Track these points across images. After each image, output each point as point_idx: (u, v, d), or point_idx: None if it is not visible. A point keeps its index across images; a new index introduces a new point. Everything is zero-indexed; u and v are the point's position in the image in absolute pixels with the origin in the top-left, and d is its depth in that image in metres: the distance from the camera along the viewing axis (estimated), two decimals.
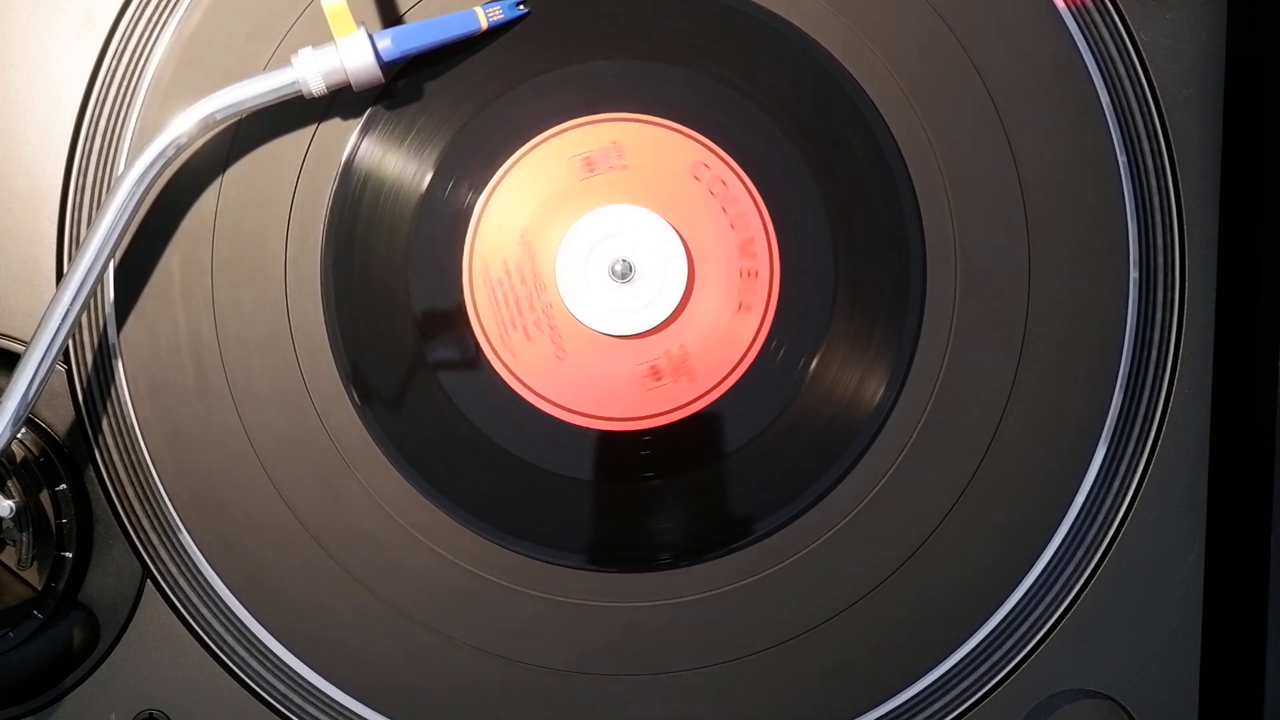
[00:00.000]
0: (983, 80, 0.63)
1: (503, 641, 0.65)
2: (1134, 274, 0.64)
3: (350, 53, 0.59)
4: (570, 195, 0.63)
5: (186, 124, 0.59)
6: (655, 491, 0.64)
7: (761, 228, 0.63)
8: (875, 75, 0.63)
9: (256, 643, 0.66)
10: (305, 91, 0.60)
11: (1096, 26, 0.64)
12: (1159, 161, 0.64)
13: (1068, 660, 0.65)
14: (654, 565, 0.65)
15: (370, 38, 0.59)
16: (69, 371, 0.65)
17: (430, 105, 0.63)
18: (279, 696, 0.66)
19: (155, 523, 0.66)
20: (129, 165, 0.59)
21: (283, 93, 0.60)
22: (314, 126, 0.64)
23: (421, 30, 0.61)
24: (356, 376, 0.64)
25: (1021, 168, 0.63)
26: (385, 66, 0.60)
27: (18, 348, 0.64)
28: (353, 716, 0.66)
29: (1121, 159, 0.63)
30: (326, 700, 0.66)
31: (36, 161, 0.64)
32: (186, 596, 0.66)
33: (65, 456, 0.65)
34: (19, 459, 0.62)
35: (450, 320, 0.63)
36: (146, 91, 0.64)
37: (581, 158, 0.63)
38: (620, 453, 0.64)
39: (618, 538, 0.65)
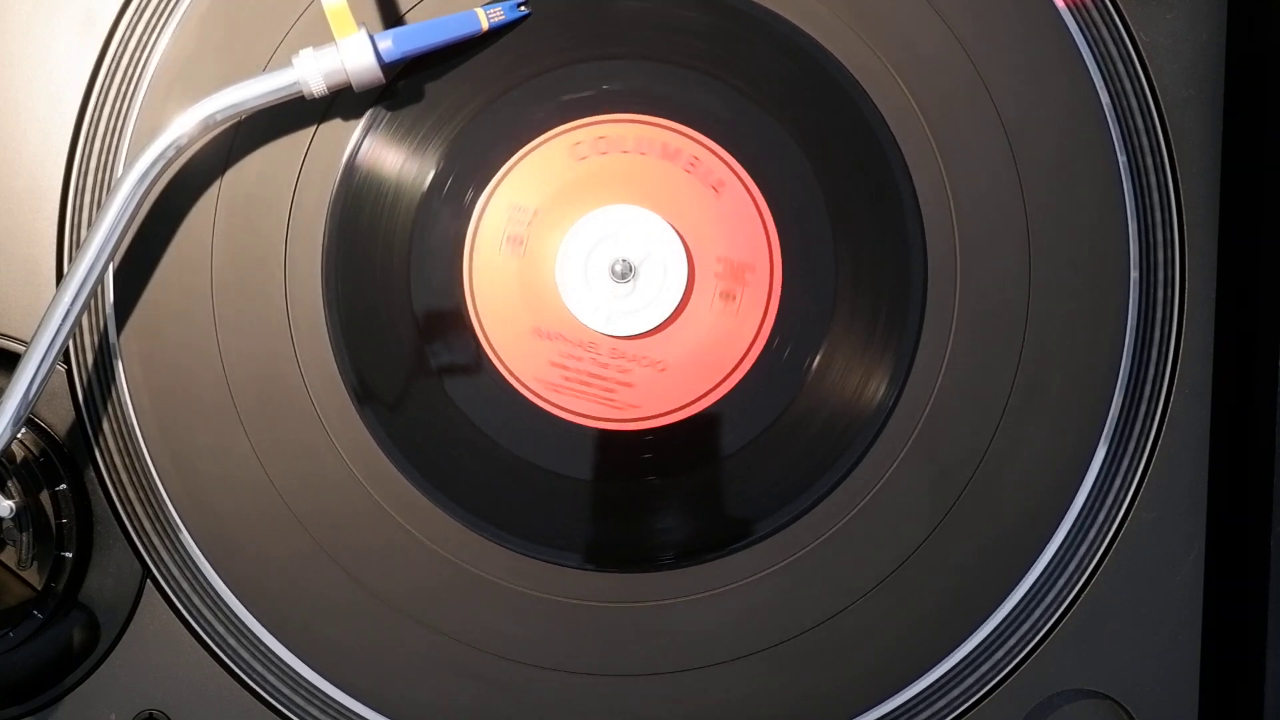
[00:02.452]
0: (983, 80, 0.63)
1: (502, 641, 0.65)
2: (1134, 274, 0.64)
3: (351, 53, 0.59)
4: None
5: (187, 125, 0.59)
6: (656, 491, 0.64)
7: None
8: (875, 75, 0.63)
9: (256, 643, 0.66)
10: (306, 92, 0.60)
11: (1096, 26, 0.64)
12: (1159, 161, 0.64)
13: (1068, 660, 0.65)
14: (654, 565, 0.65)
15: (371, 38, 0.59)
16: (69, 371, 0.65)
17: (431, 106, 0.63)
18: (279, 696, 0.66)
19: (155, 523, 0.66)
20: (129, 166, 0.59)
21: (283, 93, 0.60)
22: (314, 127, 0.64)
23: (423, 31, 0.61)
24: (356, 376, 0.64)
25: (1021, 167, 0.63)
26: (386, 67, 0.60)
27: (18, 348, 0.64)
28: (353, 716, 0.66)
29: (1121, 159, 0.64)
30: (326, 700, 0.66)
31: (36, 161, 0.64)
32: (186, 596, 0.66)
33: (65, 456, 0.65)
34: (19, 459, 0.62)
35: (451, 320, 0.63)
36: (146, 92, 0.64)
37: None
38: (621, 452, 0.64)
39: (618, 538, 0.65)
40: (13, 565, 0.63)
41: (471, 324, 0.63)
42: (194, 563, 0.66)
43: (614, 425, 0.63)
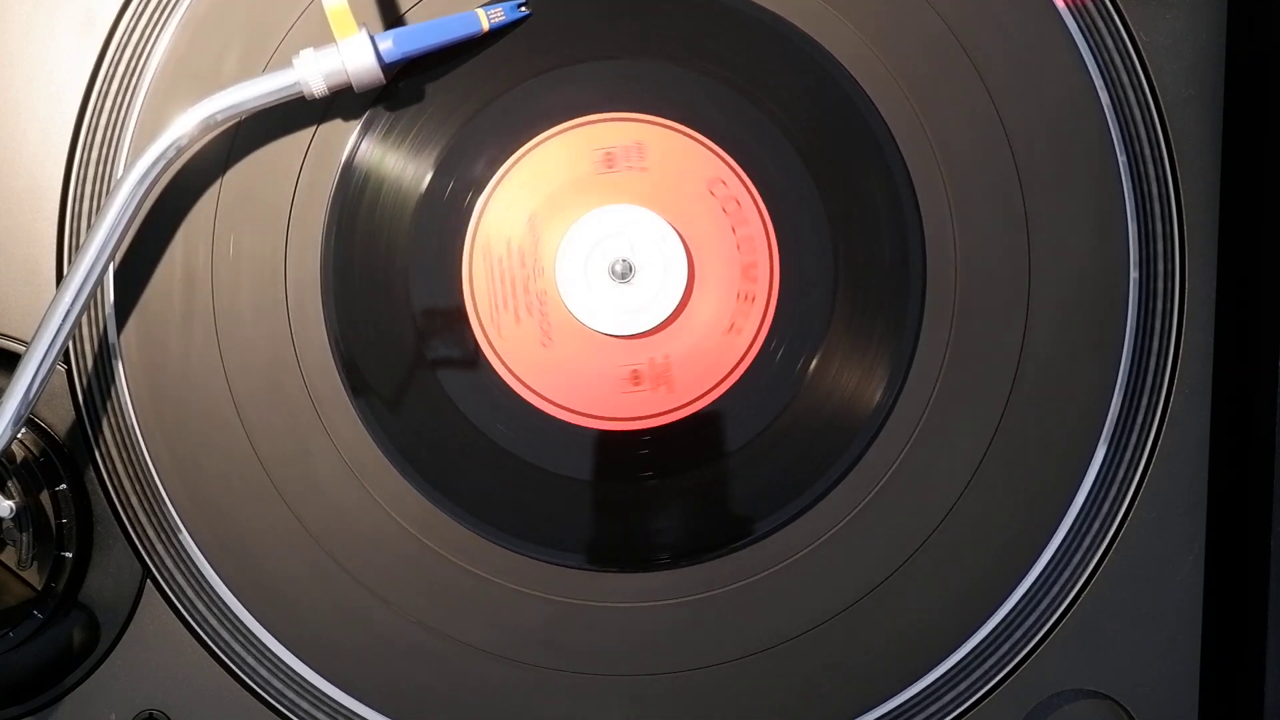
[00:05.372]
0: (983, 80, 0.63)
1: (502, 641, 0.65)
2: (1134, 274, 0.64)
3: (352, 54, 0.59)
4: (571, 195, 0.63)
5: (187, 125, 0.59)
6: (655, 491, 0.64)
7: (762, 227, 0.63)
8: (876, 76, 0.63)
9: (256, 643, 0.66)
10: (306, 93, 0.60)
11: (1096, 26, 0.64)
12: (1159, 161, 0.64)
13: (1068, 660, 0.65)
14: (654, 565, 0.65)
15: (372, 39, 0.59)
16: (69, 371, 0.65)
17: (431, 106, 0.63)
18: (279, 696, 0.66)
19: (155, 523, 0.66)
20: (129, 166, 0.59)
21: (284, 94, 0.60)
22: (314, 127, 0.64)
23: (423, 31, 0.61)
24: (356, 377, 0.64)
25: (1021, 168, 0.63)
26: (386, 68, 0.60)
27: (18, 348, 0.64)
28: (353, 716, 0.66)
29: (1121, 159, 0.64)
30: (326, 700, 0.66)
31: (36, 161, 0.64)
32: (186, 596, 0.66)
33: (65, 456, 0.65)
34: (19, 459, 0.62)
35: (449, 320, 0.63)
36: (146, 92, 0.64)
37: (598, 154, 0.63)
38: (620, 452, 0.64)
39: (617, 538, 0.65)
40: (13, 565, 0.63)
41: (470, 323, 0.63)
42: (194, 563, 0.66)
43: (613, 425, 0.63)
